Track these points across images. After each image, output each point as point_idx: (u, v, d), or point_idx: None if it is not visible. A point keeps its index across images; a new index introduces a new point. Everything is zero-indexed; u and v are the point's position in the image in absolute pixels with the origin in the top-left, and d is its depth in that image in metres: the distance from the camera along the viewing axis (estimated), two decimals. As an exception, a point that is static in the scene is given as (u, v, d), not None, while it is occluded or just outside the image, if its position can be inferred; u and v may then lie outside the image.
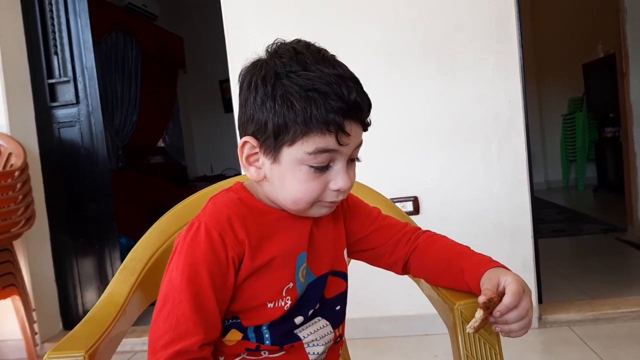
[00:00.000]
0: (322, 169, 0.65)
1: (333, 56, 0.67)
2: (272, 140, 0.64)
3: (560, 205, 4.77)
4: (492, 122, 1.93)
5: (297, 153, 0.64)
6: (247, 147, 0.68)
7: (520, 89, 1.91)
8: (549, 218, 4.14)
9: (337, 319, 0.77)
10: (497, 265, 0.70)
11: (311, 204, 0.68)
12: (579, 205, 4.70)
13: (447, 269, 0.76)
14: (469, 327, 0.63)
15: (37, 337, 2.17)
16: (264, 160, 0.67)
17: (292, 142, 0.63)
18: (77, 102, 2.37)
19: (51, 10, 2.36)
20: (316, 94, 0.61)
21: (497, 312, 0.63)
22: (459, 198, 1.96)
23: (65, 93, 2.39)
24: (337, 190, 0.67)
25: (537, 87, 5.78)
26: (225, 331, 0.69)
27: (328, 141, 0.63)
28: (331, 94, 0.62)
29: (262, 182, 0.69)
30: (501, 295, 0.64)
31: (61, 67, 2.37)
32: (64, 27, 2.36)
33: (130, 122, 4.08)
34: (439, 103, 1.95)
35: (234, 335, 0.69)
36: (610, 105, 4.21)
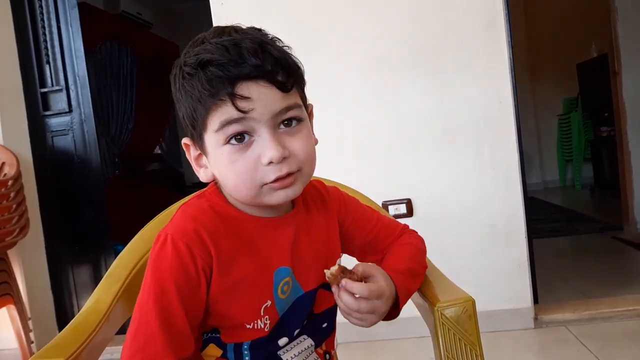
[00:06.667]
0: (242, 144, 0.59)
1: (250, 29, 0.63)
2: (194, 133, 0.62)
3: (556, 205, 4.77)
4: (483, 124, 1.93)
5: (211, 136, 0.60)
6: (190, 149, 0.66)
7: (511, 89, 1.91)
8: (546, 218, 4.14)
9: (320, 337, 0.72)
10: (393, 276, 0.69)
11: (255, 189, 0.61)
12: (575, 205, 4.70)
13: None
14: (328, 272, 0.62)
15: (33, 346, 2.16)
16: (205, 158, 0.65)
17: (203, 126, 0.60)
18: (70, 111, 2.38)
19: (42, 20, 2.36)
20: (199, 67, 0.58)
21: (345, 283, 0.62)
22: (452, 200, 1.96)
23: (58, 102, 2.39)
24: (271, 163, 0.59)
25: (532, 88, 5.78)
26: (203, 345, 0.65)
27: (228, 111, 0.57)
28: (213, 61, 0.57)
29: (215, 180, 0.67)
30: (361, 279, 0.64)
31: (53, 76, 2.38)
32: (55, 37, 2.37)
33: (127, 130, 4.07)
34: (430, 106, 1.95)
35: (213, 351, 0.65)
36: (604, 104, 4.21)
